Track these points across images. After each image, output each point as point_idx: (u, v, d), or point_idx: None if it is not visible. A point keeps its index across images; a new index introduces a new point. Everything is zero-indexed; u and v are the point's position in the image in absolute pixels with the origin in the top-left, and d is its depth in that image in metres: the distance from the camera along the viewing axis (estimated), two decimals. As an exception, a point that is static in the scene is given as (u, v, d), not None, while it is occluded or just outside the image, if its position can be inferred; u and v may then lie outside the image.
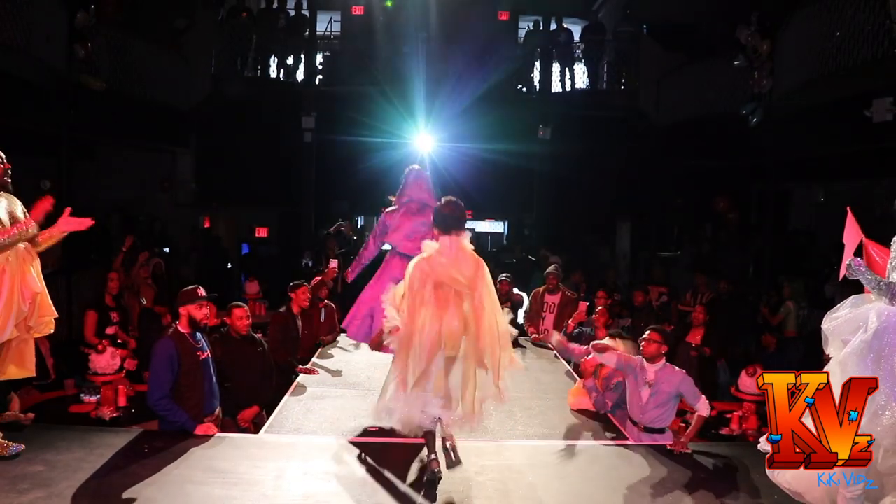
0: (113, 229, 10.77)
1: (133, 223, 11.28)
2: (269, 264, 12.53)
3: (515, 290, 8.35)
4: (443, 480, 3.73)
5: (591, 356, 5.30)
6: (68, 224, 3.99)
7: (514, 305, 8.12)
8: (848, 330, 3.02)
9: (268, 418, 4.92)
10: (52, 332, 4.13)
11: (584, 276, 10.15)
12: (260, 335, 7.70)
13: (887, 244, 3.16)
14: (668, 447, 4.32)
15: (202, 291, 4.57)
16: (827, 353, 3.15)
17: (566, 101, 13.60)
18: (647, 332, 4.72)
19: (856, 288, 3.17)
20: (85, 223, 4.02)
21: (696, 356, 6.74)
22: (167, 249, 11.50)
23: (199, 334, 4.56)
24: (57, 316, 4.10)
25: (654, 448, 4.35)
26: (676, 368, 4.68)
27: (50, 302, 4.02)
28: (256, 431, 4.92)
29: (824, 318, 3.18)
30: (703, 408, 4.52)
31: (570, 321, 7.04)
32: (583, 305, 7.21)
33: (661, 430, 4.57)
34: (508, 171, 13.33)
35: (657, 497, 3.65)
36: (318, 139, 13.25)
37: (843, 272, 3.19)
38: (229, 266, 12.67)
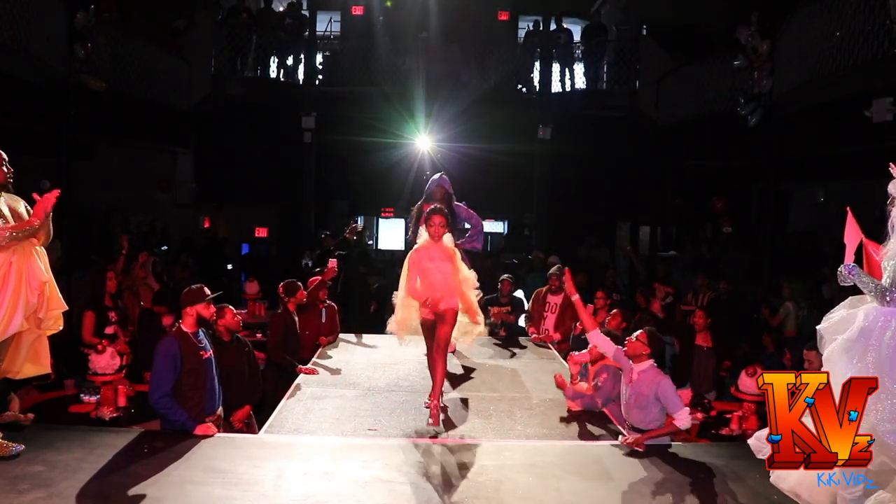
0: (113, 229, 10.78)
1: (128, 224, 11.29)
2: (269, 264, 12.54)
3: (518, 293, 8.38)
4: (443, 480, 3.72)
5: (578, 354, 5.32)
6: (40, 208, 3.85)
7: (514, 306, 8.10)
8: (840, 330, 3.03)
9: (264, 419, 4.93)
10: (61, 328, 4.12)
11: (587, 279, 10.05)
12: (260, 335, 7.78)
13: (887, 244, 3.17)
14: (620, 441, 4.31)
15: (207, 290, 4.58)
16: (822, 353, 3.16)
17: (566, 101, 13.61)
18: (639, 332, 4.66)
19: (854, 287, 3.17)
20: (50, 197, 3.85)
21: (712, 356, 6.81)
22: (165, 247, 11.51)
23: (201, 334, 4.57)
24: (67, 308, 4.10)
25: (653, 448, 4.35)
26: (660, 373, 4.53)
27: (59, 295, 4.03)
28: (248, 431, 4.93)
29: (823, 320, 3.19)
30: (681, 419, 4.33)
31: (577, 324, 6.95)
32: (589, 308, 7.20)
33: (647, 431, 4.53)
34: (508, 171, 13.35)
35: (657, 497, 3.65)
36: (318, 139, 13.27)
37: None
38: (230, 266, 12.67)
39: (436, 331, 4.83)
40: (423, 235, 4.87)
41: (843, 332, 3.00)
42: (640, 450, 4.18)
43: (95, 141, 11.35)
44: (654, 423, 4.46)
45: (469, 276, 5.03)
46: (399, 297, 4.98)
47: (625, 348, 4.64)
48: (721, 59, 10.80)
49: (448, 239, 4.91)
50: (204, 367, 4.48)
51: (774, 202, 10.45)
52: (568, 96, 13.66)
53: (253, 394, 5.30)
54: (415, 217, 6.22)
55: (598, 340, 4.88)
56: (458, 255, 4.94)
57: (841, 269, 3.06)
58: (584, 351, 5.32)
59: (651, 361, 4.55)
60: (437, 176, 6.27)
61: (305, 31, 13.74)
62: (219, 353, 4.91)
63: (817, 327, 3.19)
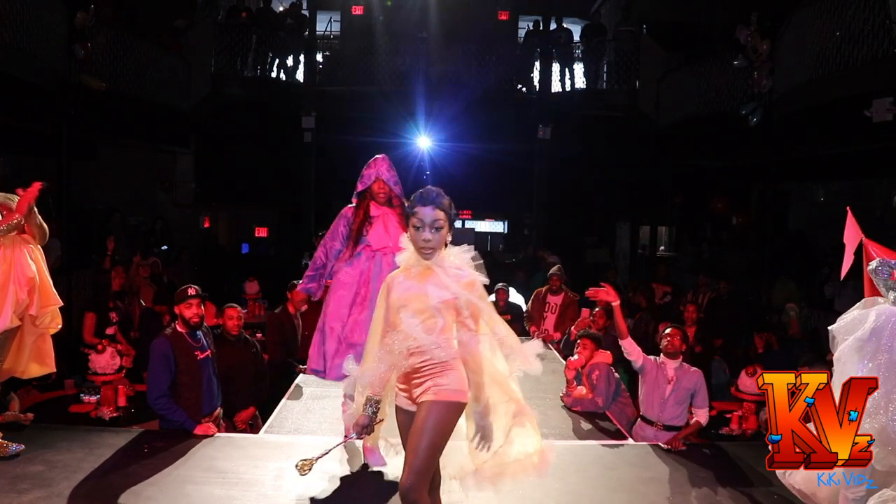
0: (113, 229, 10.79)
1: (126, 224, 11.30)
2: (269, 264, 12.53)
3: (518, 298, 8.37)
4: (442, 480, 3.69)
5: (575, 358, 5.32)
6: (24, 201, 3.86)
7: (514, 315, 7.98)
8: (851, 330, 3.00)
9: (265, 419, 4.93)
10: (60, 325, 4.10)
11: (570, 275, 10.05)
12: (260, 335, 7.78)
13: (887, 244, 3.15)
14: (663, 444, 4.38)
15: (192, 290, 4.55)
16: (833, 354, 3.14)
17: (566, 101, 13.59)
18: (670, 329, 4.85)
19: (854, 288, 3.16)
20: (33, 190, 3.85)
21: (687, 350, 6.79)
22: (165, 247, 11.51)
23: (199, 333, 4.56)
24: (62, 304, 4.07)
25: (653, 448, 4.36)
26: (693, 367, 4.78)
27: (53, 291, 3.97)
28: (252, 432, 4.93)
29: (837, 321, 3.16)
30: (702, 415, 4.66)
31: (572, 328, 6.93)
32: (585, 312, 7.19)
33: (679, 429, 4.60)
34: (508, 171, 13.34)
35: (657, 497, 3.65)
36: (318, 139, 13.26)
37: (844, 272, 3.17)
38: (233, 264, 12.67)
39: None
40: (406, 247, 2.74)
41: (854, 331, 2.98)
42: (683, 448, 4.31)
43: (95, 141, 11.35)
44: (684, 419, 4.68)
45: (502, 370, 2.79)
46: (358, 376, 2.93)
47: (664, 349, 4.80)
48: (721, 59, 10.79)
49: (460, 256, 2.72)
50: (198, 366, 4.47)
51: (774, 202, 10.45)
52: (568, 96, 13.65)
53: (257, 395, 5.28)
54: (341, 224, 4.37)
55: (630, 347, 4.91)
56: (478, 284, 2.71)
57: (875, 262, 3.05)
58: (575, 357, 5.34)
59: (682, 357, 4.79)
60: (378, 157, 4.31)
61: (305, 30, 13.73)
62: (222, 353, 4.91)
63: (829, 328, 3.16)
